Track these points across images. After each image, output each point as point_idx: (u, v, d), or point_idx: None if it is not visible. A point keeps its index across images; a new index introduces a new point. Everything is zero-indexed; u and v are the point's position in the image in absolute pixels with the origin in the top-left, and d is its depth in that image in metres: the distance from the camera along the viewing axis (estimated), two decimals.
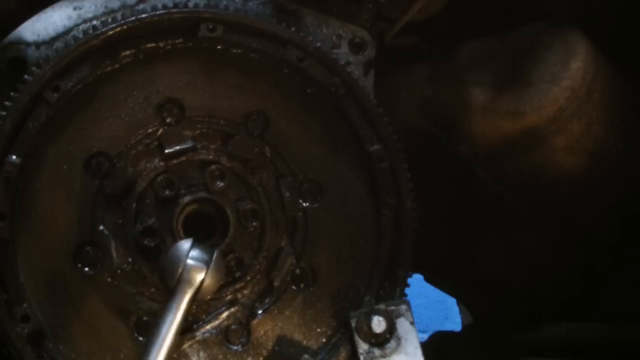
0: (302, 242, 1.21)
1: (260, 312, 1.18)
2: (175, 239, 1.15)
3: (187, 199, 1.17)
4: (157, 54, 1.18)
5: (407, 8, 1.34)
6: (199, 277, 1.03)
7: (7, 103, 1.11)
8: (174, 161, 1.19)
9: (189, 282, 1.02)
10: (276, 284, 1.19)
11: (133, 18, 1.14)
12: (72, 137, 1.17)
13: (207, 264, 1.03)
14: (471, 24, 1.51)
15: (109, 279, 1.16)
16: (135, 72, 1.18)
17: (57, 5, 1.21)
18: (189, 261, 1.02)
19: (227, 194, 1.19)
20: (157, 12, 1.16)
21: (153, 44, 1.18)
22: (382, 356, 1.10)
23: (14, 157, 1.11)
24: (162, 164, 1.18)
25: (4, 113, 1.10)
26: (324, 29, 1.27)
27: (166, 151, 1.18)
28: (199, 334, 1.16)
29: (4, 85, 1.16)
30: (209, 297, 1.11)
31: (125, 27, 1.14)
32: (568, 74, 1.31)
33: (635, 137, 1.41)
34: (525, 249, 1.54)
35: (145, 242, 1.16)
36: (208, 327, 1.17)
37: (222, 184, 1.19)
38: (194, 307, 1.10)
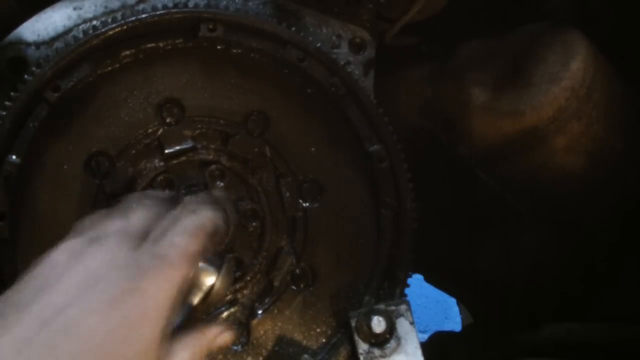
0: (302, 242, 1.21)
1: (260, 312, 1.19)
2: None
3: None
4: (157, 54, 1.19)
5: (407, 8, 1.34)
6: (209, 281, 1.02)
7: (7, 103, 1.11)
8: (174, 161, 1.19)
9: (199, 286, 1.01)
10: (276, 284, 1.19)
11: (133, 18, 1.14)
12: (72, 137, 1.17)
13: (218, 268, 0.99)
14: (471, 24, 1.51)
15: None
16: (135, 72, 1.18)
17: (57, 5, 1.21)
18: (200, 263, 1.01)
19: (227, 193, 1.19)
20: (157, 12, 1.16)
21: (153, 44, 1.18)
22: (382, 356, 1.10)
23: (14, 157, 1.11)
24: (162, 163, 1.19)
25: (4, 113, 1.10)
26: (324, 29, 1.27)
27: (166, 151, 1.18)
28: None
29: (4, 85, 1.16)
30: (216, 304, 1.09)
31: (125, 27, 1.14)
32: (568, 74, 1.31)
33: (635, 137, 1.41)
34: (525, 249, 1.54)
35: None
36: None
37: (222, 183, 1.19)
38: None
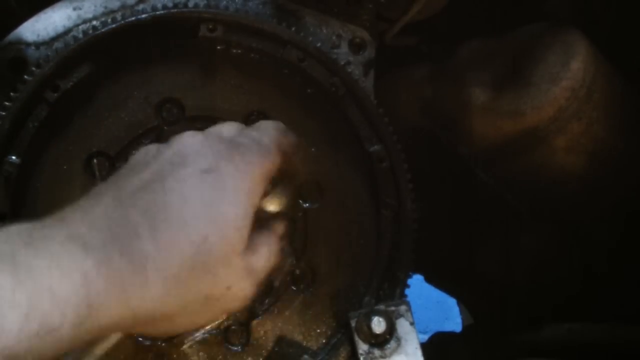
0: (302, 243, 1.21)
1: (260, 312, 1.18)
2: None
3: None
4: (157, 54, 1.18)
5: (407, 8, 1.34)
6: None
7: (7, 103, 1.11)
8: None
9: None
10: (276, 284, 1.19)
11: (133, 18, 1.14)
12: (72, 137, 1.17)
13: None
14: (471, 24, 1.51)
15: None
16: (135, 72, 1.18)
17: (57, 6, 1.21)
18: None
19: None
20: (157, 12, 1.16)
21: (153, 44, 1.18)
22: (382, 357, 1.10)
23: (13, 157, 1.11)
24: None
25: (4, 113, 1.10)
26: (324, 29, 1.27)
27: None
28: (198, 334, 1.16)
29: (4, 85, 1.16)
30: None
31: (125, 27, 1.14)
32: (568, 74, 1.31)
33: (635, 137, 1.41)
34: (525, 249, 1.54)
35: None
36: (208, 327, 1.17)
37: None
38: None
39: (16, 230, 0.74)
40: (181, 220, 0.80)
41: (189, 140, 0.89)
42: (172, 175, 0.84)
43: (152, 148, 0.91)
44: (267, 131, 0.94)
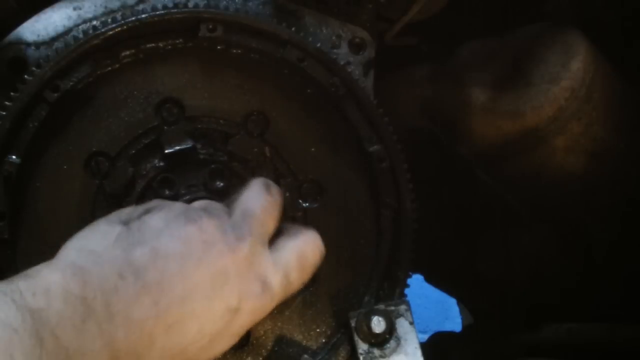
0: None
1: None
2: None
3: (186, 198, 1.17)
4: (157, 54, 1.19)
5: (407, 8, 1.34)
6: None
7: (7, 103, 1.11)
8: (174, 161, 1.19)
9: None
10: None
11: (133, 18, 1.14)
12: (72, 137, 1.17)
13: None
14: (471, 24, 1.51)
15: None
16: (135, 72, 1.18)
17: (57, 6, 1.21)
18: None
19: (227, 193, 1.19)
20: (157, 13, 1.16)
21: (153, 44, 1.18)
22: (381, 356, 1.10)
23: (13, 156, 1.11)
24: (161, 163, 1.19)
25: (4, 113, 1.10)
26: (324, 29, 1.27)
27: (166, 151, 1.18)
28: None
29: (4, 85, 1.16)
30: None
31: (125, 27, 1.14)
32: (568, 74, 1.31)
33: (635, 137, 1.41)
34: (525, 249, 1.54)
35: None
36: None
37: (221, 183, 1.19)
38: None
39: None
40: None
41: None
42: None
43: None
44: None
